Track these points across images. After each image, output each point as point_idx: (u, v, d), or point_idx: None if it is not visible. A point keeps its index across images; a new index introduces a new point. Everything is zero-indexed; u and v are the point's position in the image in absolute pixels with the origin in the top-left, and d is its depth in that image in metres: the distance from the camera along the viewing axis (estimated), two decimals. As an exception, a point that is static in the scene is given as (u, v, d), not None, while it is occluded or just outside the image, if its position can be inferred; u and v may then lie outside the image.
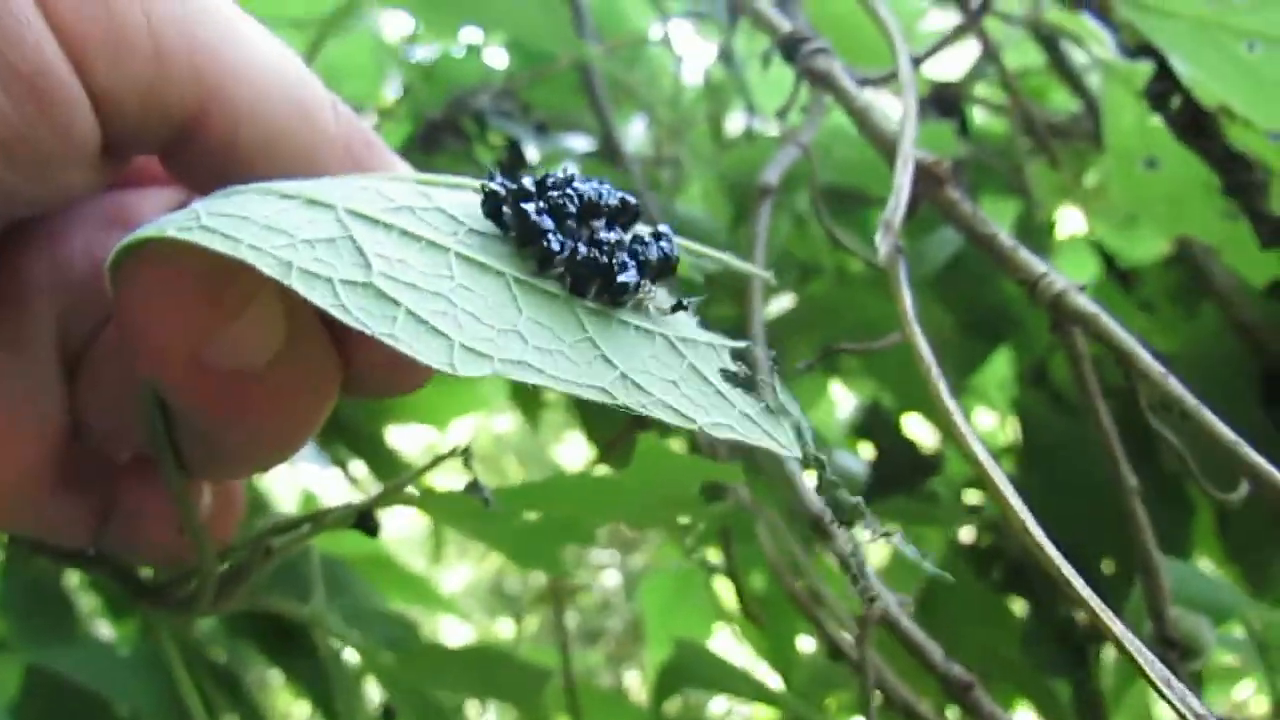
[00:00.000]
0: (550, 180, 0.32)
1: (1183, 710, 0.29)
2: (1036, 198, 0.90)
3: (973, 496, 1.01)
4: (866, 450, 1.06)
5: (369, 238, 0.29)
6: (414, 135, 0.87)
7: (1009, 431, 1.09)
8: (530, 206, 0.30)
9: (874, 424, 1.04)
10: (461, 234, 0.30)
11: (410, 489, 0.42)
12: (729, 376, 0.31)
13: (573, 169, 0.33)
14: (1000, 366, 1.02)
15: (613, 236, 0.31)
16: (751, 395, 0.31)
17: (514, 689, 0.68)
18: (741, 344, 0.33)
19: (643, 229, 0.34)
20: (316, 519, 0.42)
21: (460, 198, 0.32)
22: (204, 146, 0.30)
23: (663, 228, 0.33)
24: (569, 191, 0.31)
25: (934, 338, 0.41)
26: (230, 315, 0.28)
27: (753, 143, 0.96)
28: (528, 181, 0.31)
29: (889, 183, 0.45)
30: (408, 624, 0.83)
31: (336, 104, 0.33)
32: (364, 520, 0.43)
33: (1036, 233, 0.92)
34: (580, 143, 1.00)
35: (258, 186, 0.30)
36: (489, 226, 0.31)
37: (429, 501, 0.44)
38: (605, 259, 0.30)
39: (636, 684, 2.34)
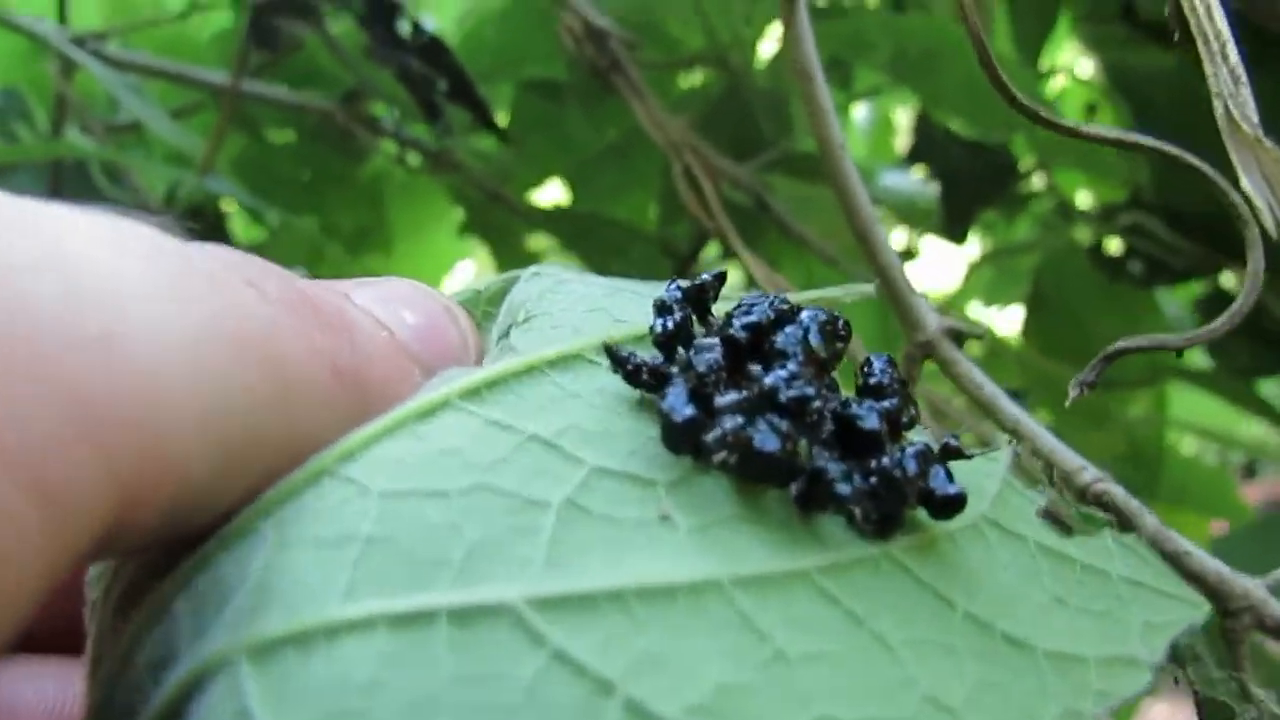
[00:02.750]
0: (729, 345, 0.22)
1: None
2: None
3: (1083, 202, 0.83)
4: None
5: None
6: (245, 33, 0.64)
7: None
8: (773, 441, 0.20)
9: (926, 143, 0.84)
10: (680, 514, 0.20)
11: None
12: (1058, 523, 0.25)
13: (749, 304, 0.23)
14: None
15: (875, 420, 0.22)
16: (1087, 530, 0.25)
17: None
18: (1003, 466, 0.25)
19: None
20: None
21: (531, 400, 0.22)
22: (143, 523, 0.18)
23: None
24: (787, 368, 0.22)
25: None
26: None
27: None
28: (704, 363, 0.22)
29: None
30: None
31: (273, 308, 0.21)
32: None
33: None
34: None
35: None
36: (647, 448, 0.21)
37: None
38: (913, 464, 0.21)
39: None
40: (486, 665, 0.17)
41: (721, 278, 0.25)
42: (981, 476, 0.25)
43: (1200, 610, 0.25)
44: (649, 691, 0.17)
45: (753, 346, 0.23)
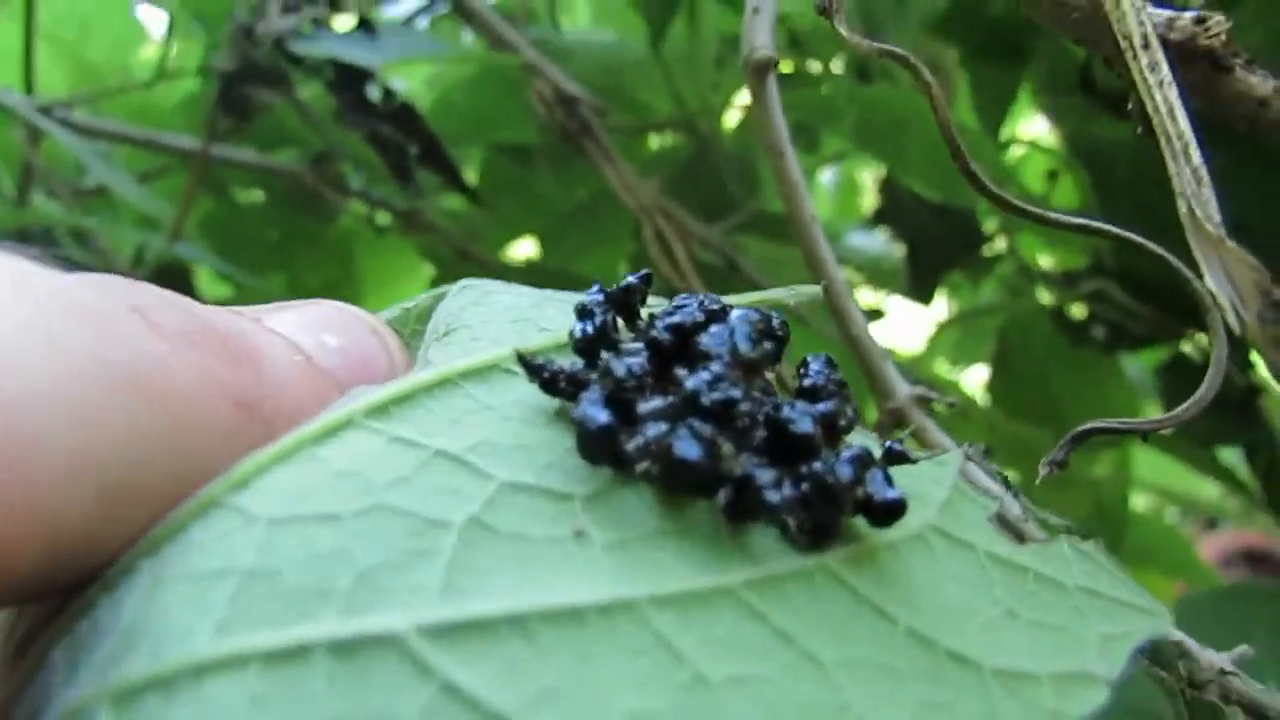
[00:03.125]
0: (652, 348, 0.21)
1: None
2: None
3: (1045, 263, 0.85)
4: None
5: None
6: (214, 99, 0.64)
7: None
8: (694, 448, 0.19)
9: (893, 206, 0.85)
10: (596, 530, 0.19)
11: None
12: (1012, 530, 0.23)
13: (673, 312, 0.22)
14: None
15: (808, 424, 0.20)
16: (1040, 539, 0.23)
17: None
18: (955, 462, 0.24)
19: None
20: None
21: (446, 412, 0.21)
22: (16, 575, 0.17)
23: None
24: (711, 370, 0.20)
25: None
26: None
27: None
28: (623, 367, 0.20)
29: None
30: None
31: (162, 335, 0.19)
32: None
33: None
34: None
35: None
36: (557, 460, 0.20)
37: None
38: (847, 468, 0.20)
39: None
40: (367, 701, 0.16)
41: (648, 279, 0.24)
42: (928, 483, 0.23)
43: (1162, 620, 0.23)
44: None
45: (678, 349, 0.21)
